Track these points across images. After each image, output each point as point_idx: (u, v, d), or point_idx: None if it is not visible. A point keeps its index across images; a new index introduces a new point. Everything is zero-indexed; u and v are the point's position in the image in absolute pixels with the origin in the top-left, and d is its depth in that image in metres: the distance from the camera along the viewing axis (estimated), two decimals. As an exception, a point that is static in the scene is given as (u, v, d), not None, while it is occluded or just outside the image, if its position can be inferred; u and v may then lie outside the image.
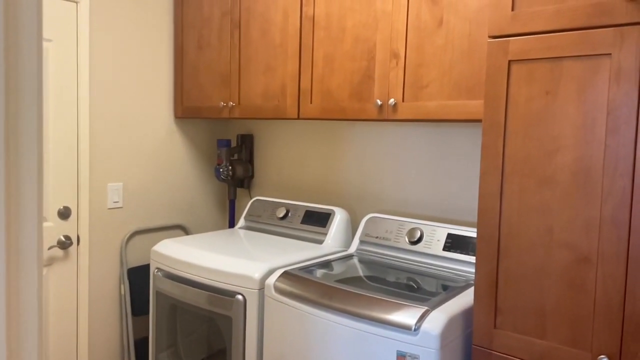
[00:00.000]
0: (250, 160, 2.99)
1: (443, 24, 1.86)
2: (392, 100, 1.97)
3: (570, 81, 1.35)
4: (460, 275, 1.96)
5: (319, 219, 2.44)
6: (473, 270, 1.96)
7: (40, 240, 0.74)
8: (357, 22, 2.09)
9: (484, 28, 1.77)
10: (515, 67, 1.44)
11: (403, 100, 1.96)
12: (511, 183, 1.46)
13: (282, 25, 2.34)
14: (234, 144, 3.09)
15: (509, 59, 1.44)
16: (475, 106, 1.79)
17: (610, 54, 1.28)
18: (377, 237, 2.24)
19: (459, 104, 1.82)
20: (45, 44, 2.31)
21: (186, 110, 2.78)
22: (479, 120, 1.78)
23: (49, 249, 2.39)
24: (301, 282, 1.84)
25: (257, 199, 2.74)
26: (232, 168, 2.87)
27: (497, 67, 1.46)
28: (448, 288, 1.82)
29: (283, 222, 2.56)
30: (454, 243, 2.03)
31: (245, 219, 2.72)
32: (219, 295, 2.01)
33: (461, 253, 2.00)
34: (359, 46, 2.09)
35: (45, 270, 2.39)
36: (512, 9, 1.44)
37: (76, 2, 2.40)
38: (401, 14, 1.95)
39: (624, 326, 1.30)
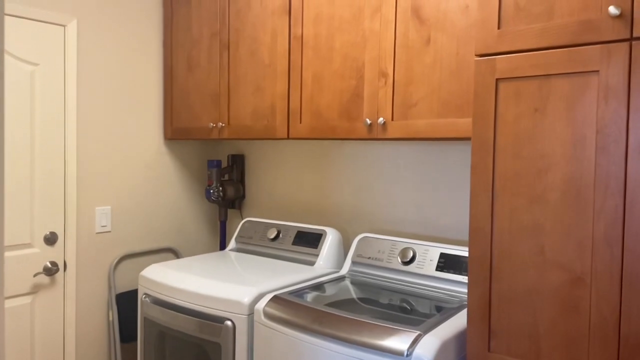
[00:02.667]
0: (241, 181, 2.96)
1: (431, 43, 1.85)
2: (381, 119, 1.95)
3: (559, 99, 1.33)
4: (453, 296, 1.92)
5: (310, 240, 2.41)
6: (467, 290, 1.92)
7: (1, 270, 0.70)
8: (345, 42, 2.08)
9: (472, 46, 1.76)
10: (503, 85, 1.42)
11: (392, 119, 1.94)
12: (502, 202, 1.44)
13: (270, 46, 2.33)
14: (224, 164, 3.06)
15: (497, 77, 1.43)
16: (464, 124, 1.77)
17: (598, 71, 1.27)
18: (369, 258, 2.20)
19: (448, 122, 1.81)
20: (31, 68, 2.29)
21: (176, 132, 2.76)
22: (469, 139, 1.77)
23: (35, 275, 2.33)
24: (291, 307, 1.80)
25: (248, 220, 2.70)
26: (222, 189, 2.84)
27: (485, 86, 1.45)
28: (442, 309, 1.78)
29: (274, 244, 2.52)
30: (447, 263, 2.00)
31: (236, 240, 2.68)
32: (208, 322, 1.96)
33: (454, 273, 1.96)
34: (348, 65, 2.08)
35: (30, 298, 2.33)
36: (499, 27, 1.43)
37: (63, 26, 2.39)
38: (389, 33, 1.95)
39: (619, 348, 1.26)
